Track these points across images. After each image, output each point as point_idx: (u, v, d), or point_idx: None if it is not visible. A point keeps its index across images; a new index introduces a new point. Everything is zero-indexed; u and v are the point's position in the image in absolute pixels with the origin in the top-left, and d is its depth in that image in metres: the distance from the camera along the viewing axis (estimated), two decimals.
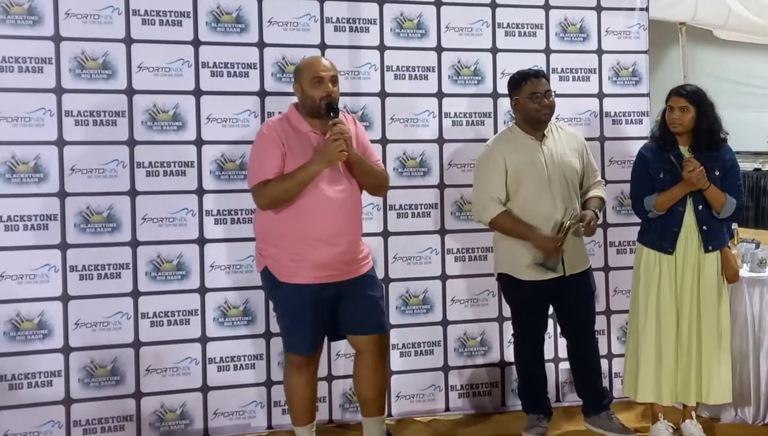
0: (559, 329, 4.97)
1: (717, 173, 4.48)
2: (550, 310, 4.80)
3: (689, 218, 4.51)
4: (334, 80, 4.12)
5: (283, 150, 4.03)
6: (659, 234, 4.55)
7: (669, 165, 4.49)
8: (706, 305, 4.51)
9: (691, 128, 4.52)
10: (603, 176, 5.08)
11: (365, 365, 4.23)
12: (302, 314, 4.08)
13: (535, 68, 4.78)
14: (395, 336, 5.03)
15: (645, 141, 4.82)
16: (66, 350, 4.55)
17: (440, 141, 5.11)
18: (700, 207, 4.49)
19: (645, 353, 4.55)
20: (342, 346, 4.75)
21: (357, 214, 4.20)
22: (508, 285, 4.68)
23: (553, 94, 4.62)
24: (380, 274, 4.86)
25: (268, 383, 4.87)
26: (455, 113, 5.14)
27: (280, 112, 4.35)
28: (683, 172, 4.40)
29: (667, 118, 4.55)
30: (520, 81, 4.62)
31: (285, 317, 4.18)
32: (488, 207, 4.55)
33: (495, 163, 4.57)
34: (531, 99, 4.56)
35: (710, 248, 4.50)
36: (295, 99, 4.25)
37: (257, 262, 4.27)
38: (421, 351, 5.12)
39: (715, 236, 4.52)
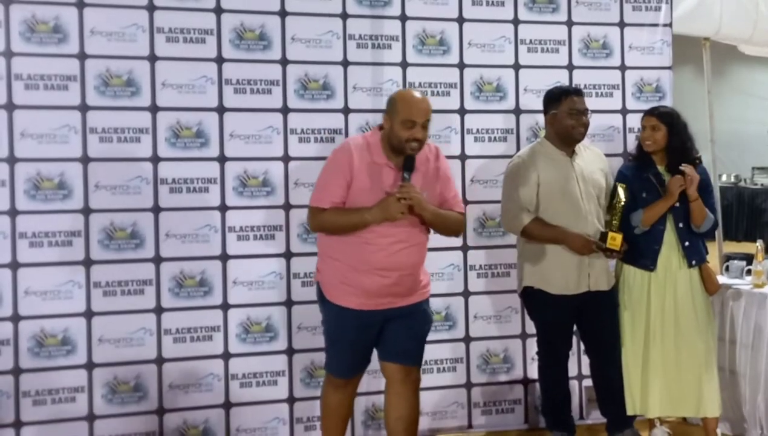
0: (582, 347, 4.94)
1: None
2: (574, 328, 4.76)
3: (670, 236, 4.60)
4: (426, 125, 3.94)
5: (349, 179, 3.92)
6: (640, 252, 4.61)
7: (649, 184, 4.58)
8: (691, 320, 4.58)
9: (663, 147, 4.61)
10: None
11: (393, 394, 4.13)
12: (343, 338, 4.04)
13: (576, 86, 4.77)
14: None
15: None
16: (89, 366, 4.57)
17: (462, 157, 5.10)
18: (681, 224, 4.58)
19: (632, 368, 4.63)
20: None
21: (414, 253, 4.01)
22: (534, 300, 4.64)
23: (589, 114, 4.62)
24: None
25: (291, 400, 4.87)
26: (477, 129, 5.13)
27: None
28: (670, 182, 4.49)
29: (640, 137, 4.67)
30: (560, 95, 4.62)
31: (327, 336, 4.14)
32: (519, 216, 4.52)
33: (527, 174, 4.56)
34: (569, 115, 4.56)
35: (693, 263, 4.60)
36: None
37: (316, 273, 4.19)
38: (444, 368, 5.11)
39: (696, 252, 4.62)
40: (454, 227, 4.16)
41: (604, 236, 4.49)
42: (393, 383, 4.11)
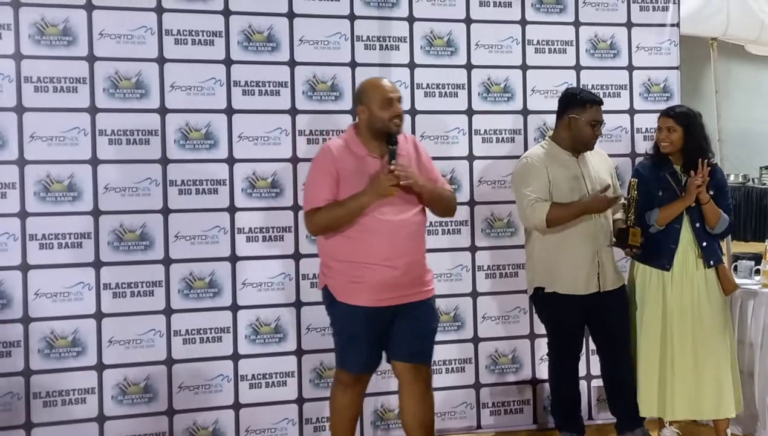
0: (591, 347, 4.94)
1: (711, 193, 4.51)
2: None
3: (686, 235, 4.57)
4: (400, 101, 4.08)
5: (336, 176, 3.97)
6: (656, 252, 4.58)
7: (666, 183, 4.56)
8: (709, 320, 4.55)
9: (680, 148, 4.56)
10: None
11: (407, 395, 4.14)
12: (358, 334, 4.03)
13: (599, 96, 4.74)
14: None
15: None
16: (99, 367, 4.58)
17: (470, 158, 5.11)
18: (698, 224, 4.55)
19: (648, 369, 4.59)
20: None
21: (416, 236, 4.08)
22: (544, 301, 4.64)
23: (603, 126, 4.64)
24: None
25: (300, 401, 4.88)
26: (485, 130, 5.14)
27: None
28: (689, 182, 4.45)
29: (656, 138, 4.63)
30: (586, 102, 4.58)
31: (341, 335, 4.13)
32: (537, 208, 4.47)
33: (538, 171, 4.55)
34: (590, 124, 4.55)
35: (712, 263, 4.58)
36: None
37: (320, 280, 4.22)
38: (453, 368, 5.11)
39: (714, 252, 4.59)
40: (450, 205, 4.26)
41: (625, 233, 4.48)
42: (404, 383, 4.12)
